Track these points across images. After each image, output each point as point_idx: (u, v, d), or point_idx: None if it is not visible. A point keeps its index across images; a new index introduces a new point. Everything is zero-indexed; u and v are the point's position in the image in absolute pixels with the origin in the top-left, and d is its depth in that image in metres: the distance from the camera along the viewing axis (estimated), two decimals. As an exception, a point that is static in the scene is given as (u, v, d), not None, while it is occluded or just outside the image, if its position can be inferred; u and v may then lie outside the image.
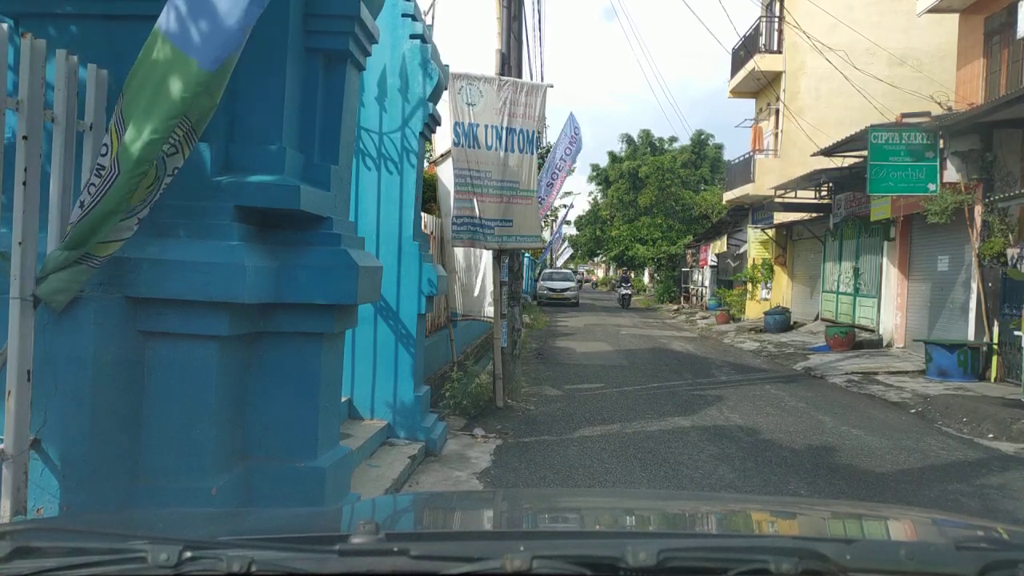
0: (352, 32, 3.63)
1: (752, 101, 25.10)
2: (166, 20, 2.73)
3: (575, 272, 50.57)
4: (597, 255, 54.68)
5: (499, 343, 8.77)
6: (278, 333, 3.51)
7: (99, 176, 2.77)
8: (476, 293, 10.68)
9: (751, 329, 20.14)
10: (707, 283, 29.67)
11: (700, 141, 41.15)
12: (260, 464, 3.52)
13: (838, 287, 18.55)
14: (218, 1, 2.70)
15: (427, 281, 6.71)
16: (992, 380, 11.21)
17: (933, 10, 14.18)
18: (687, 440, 7.34)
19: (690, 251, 33.89)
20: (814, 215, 19.36)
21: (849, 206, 16.57)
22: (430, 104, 6.69)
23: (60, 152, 2.97)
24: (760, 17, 22.48)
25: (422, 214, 7.82)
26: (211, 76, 2.74)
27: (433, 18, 9.44)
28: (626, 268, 41.22)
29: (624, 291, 34.60)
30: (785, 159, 21.17)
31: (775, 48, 21.95)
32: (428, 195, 9.84)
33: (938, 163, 12.14)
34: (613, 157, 44.88)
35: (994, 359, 11.36)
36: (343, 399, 5.81)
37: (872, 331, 16.14)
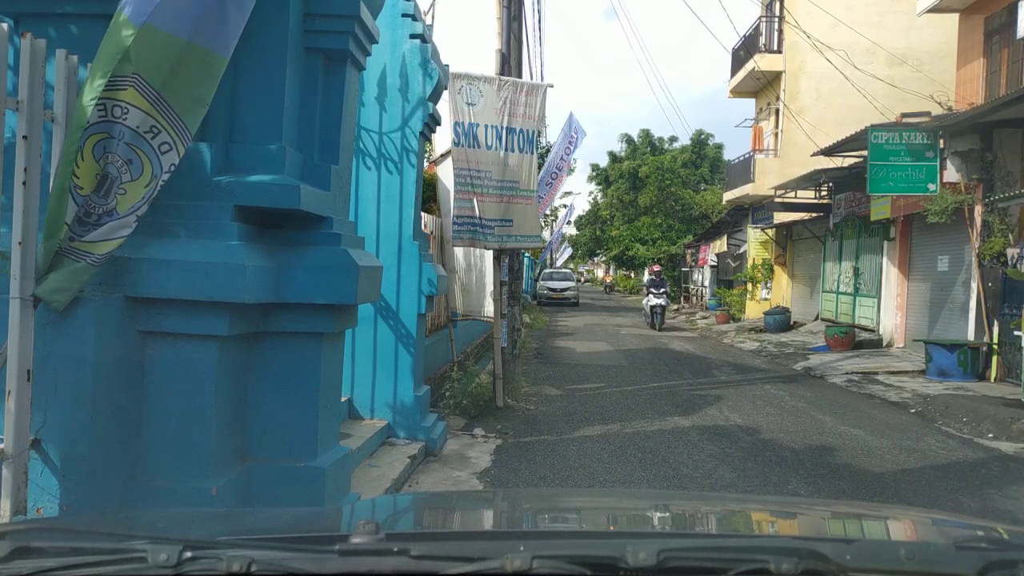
0: (352, 32, 3.63)
1: (752, 101, 25.10)
2: None
3: (574, 272, 50.48)
4: (597, 255, 54.64)
5: (499, 343, 8.77)
6: (278, 333, 3.51)
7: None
8: (476, 293, 10.68)
9: (751, 329, 20.14)
10: (707, 283, 29.67)
11: (700, 141, 41.18)
12: (260, 464, 3.52)
13: (838, 287, 18.55)
14: None
15: (427, 281, 6.71)
16: (992, 380, 11.21)
17: (933, 10, 14.18)
18: (687, 440, 7.34)
19: (690, 251, 33.85)
20: (814, 215, 19.36)
21: (849, 206, 16.56)
22: (430, 104, 6.69)
23: (60, 152, 2.97)
24: (760, 17, 22.47)
25: (422, 214, 7.82)
26: (139, 28, 2.72)
27: (433, 18, 9.44)
28: (659, 266, 25.63)
29: (656, 300, 20.99)
30: (785, 159, 21.17)
31: (775, 48, 21.94)
32: (428, 195, 9.85)
33: (938, 163, 12.13)
34: (613, 157, 44.92)
35: (994, 359, 11.35)
36: (343, 399, 5.81)
37: (872, 331, 16.14)
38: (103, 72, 2.72)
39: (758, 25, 22.47)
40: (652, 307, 21.11)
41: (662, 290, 21.32)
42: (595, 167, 46.92)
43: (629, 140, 44.90)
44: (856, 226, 17.25)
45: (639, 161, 41.39)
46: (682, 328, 22.80)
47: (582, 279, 66.71)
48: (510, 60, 9.47)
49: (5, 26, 2.79)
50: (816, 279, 20.25)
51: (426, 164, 9.71)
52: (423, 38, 6.60)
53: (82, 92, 2.75)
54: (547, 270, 37.77)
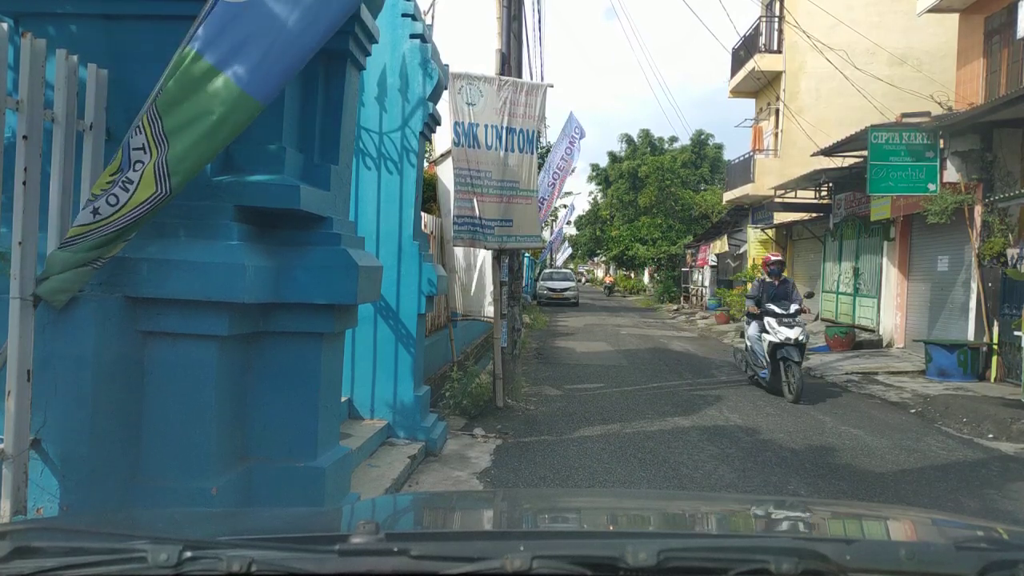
0: (352, 32, 3.62)
1: (752, 101, 25.10)
2: (217, 51, 2.73)
3: (574, 272, 50.43)
4: (597, 255, 54.64)
5: (499, 343, 8.76)
6: (278, 333, 3.51)
7: (125, 190, 2.78)
8: (476, 293, 10.68)
9: (751, 329, 20.10)
10: (707, 283, 29.66)
11: (700, 141, 41.18)
12: (260, 464, 3.52)
13: (838, 287, 18.55)
14: (278, 40, 2.76)
15: (427, 281, 6.71)
16: (992, 380, 11.20)
17: (933, 10, 14.18)
18: (687, 440, 7.34)
19: (690, 251, 33.85)
20: (814, 215, 19.36)
21: (849, 206, 16.57)
22: (430, 104, 6.69)
23: (60, 152, 2.97)
24: (760, 17, 22.48)
25: (422, 214, 7.82)
26: (263, 107, 2.84)
27: (433, 18, 9.44)
28: (779, 258, 10.96)
29: (787, 332, 9.68)
30: (785, 159, 21.17)
31: (775, 48, 21.95)
32: (428, 195, 9.84)
33: (938, 163, 12.13)
34: (613, 157, 44.94)
35: (994, 359, 11.35)
36: (343, 399, 5.81)
37: (872, 331, 16.14)
38: (216, 146, 2.82)
39: (758, 25, 22.47)
40: (779, 349, 9.94)
41: (795, 308, 10.12)
42: (595, 167, 46.94)
43: (629, 140, 44.92)
44: (856, 226, 17.25)
45: (639, 161, 41.40)
46: (682, 328, 22.79)
47: (582, 279, 66.71)
48: (510, 60, 9.47)
49: (5, 26, 2.79)
50: (816, 279, 20.25)
51: (426, 164, 9.71)
52: (423, 38, 6.60)
53: (180, 157, 2.77)
54: (547, 270, 37.75)
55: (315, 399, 3.55)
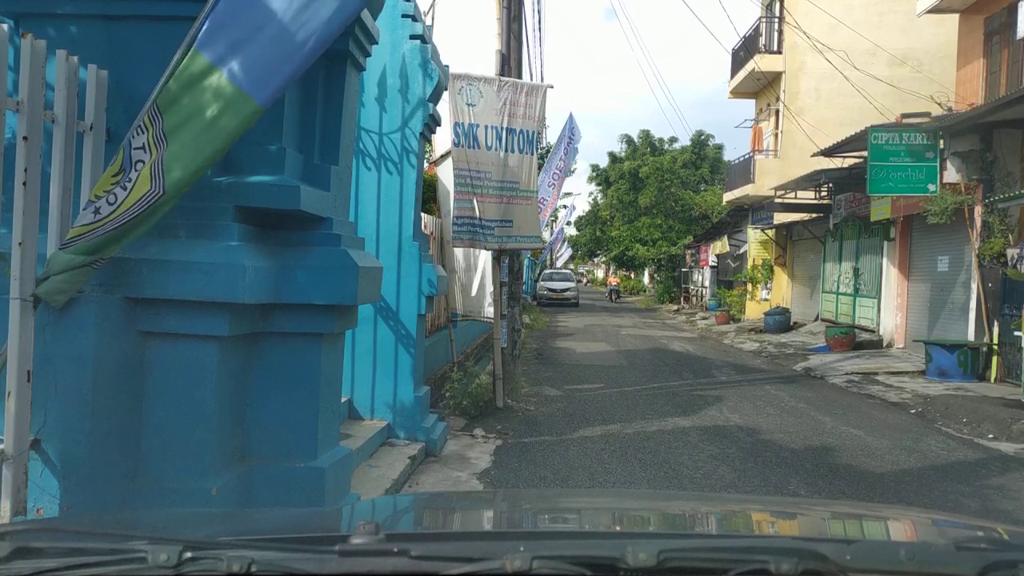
0: (352, 33, 3.62)
1: (752, 101, 25.09)
2: (217, 51, 2.73)
3: (575, 273, 50.41)
4: (597, 255, 54.63)
5: (499, 343, 8.76)
6: (278, 333, 3.51)
7: (124, 188, 2.78)
8: (476, 293, 10.68)
9: (751, 329, 20.13)
10: (707, 283, 29.68)
11: (700, 141, 41.14)
12: (260, 464, 3.52)
13: (838, 287, 18.55)
14: (280, 42, 2.75)
15: (427, 281, 6.71)
16: (992, 380, 11.20)
17: (933, 10, 14.18)
18: (687, 440, 7.34)
19: (690, 251, 33.86)
20: (814, 215, 19.36)
21: (849, 206, 16.57)
22: (430, 104, 6.69)
23: (60, 152, 2.97)
24: (760, 17, 22.47)
25: (422, 214, 7.82)
26: (263, 110, 2.82)
27: (433, 18, 9.44)
28: None
29: None
30: (785, 159, 21.17)
31: (775, 48, 21.94)
32: (428, 195, 9.84)
33: (938, 163, 12.14)
34: (613, 157, 44.90)
35: (994, 359, 11.35)
36: (343, 399, 5.81)
37: (872, 331, 16.13)
38: (215, 149, 2.80)
39: (758, 26, 22.47)
40: None
41: None
42: (595, 167, 46.88)
43: (629, 140, 44.87)
44: (856, 226, 17.25)
45: (639, 162, 41.36)
46: (682, 328, 22.80)
47: (583, 280, 66.60)
48: (510, 60, 9.47)
49: (5, 26, 2.80)
50: (816, 279, 20.25)
51: (426, 165, 9.71)
52: (423, 39, 6.60)
53: (177, 158, 2.76)
54: (547, 271, 37.72)
55: (315, 399, 3.55)
